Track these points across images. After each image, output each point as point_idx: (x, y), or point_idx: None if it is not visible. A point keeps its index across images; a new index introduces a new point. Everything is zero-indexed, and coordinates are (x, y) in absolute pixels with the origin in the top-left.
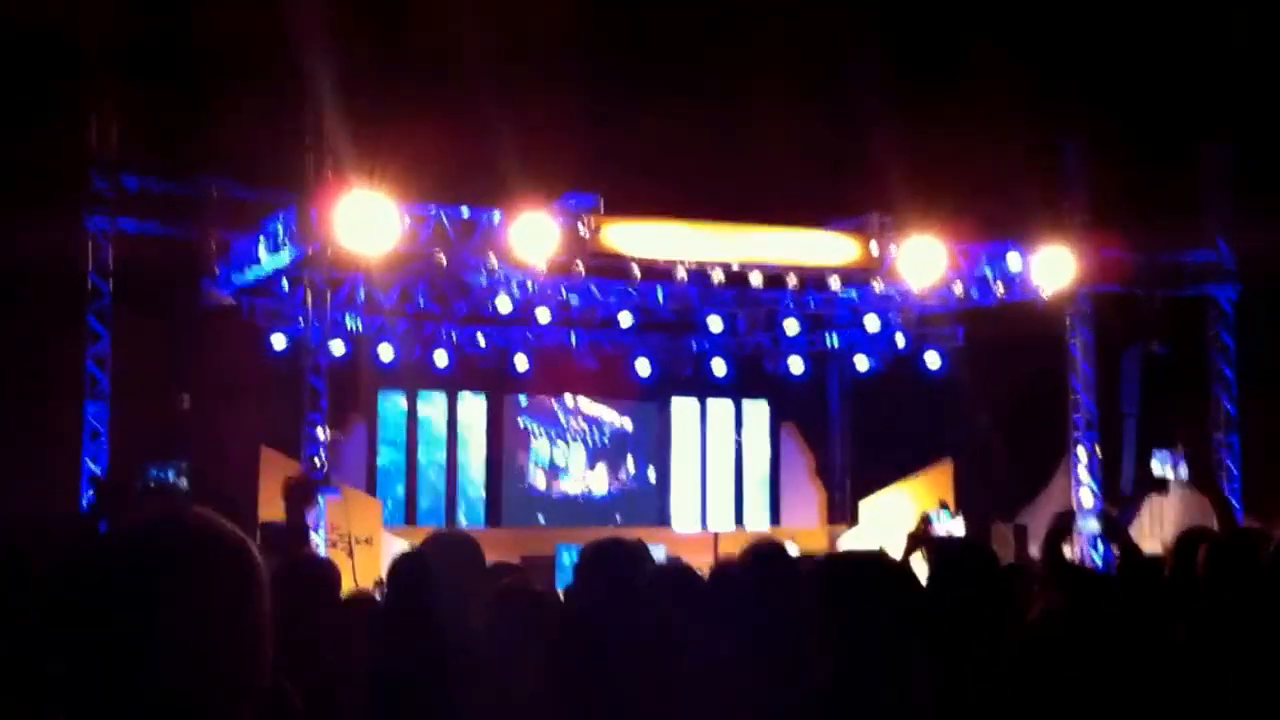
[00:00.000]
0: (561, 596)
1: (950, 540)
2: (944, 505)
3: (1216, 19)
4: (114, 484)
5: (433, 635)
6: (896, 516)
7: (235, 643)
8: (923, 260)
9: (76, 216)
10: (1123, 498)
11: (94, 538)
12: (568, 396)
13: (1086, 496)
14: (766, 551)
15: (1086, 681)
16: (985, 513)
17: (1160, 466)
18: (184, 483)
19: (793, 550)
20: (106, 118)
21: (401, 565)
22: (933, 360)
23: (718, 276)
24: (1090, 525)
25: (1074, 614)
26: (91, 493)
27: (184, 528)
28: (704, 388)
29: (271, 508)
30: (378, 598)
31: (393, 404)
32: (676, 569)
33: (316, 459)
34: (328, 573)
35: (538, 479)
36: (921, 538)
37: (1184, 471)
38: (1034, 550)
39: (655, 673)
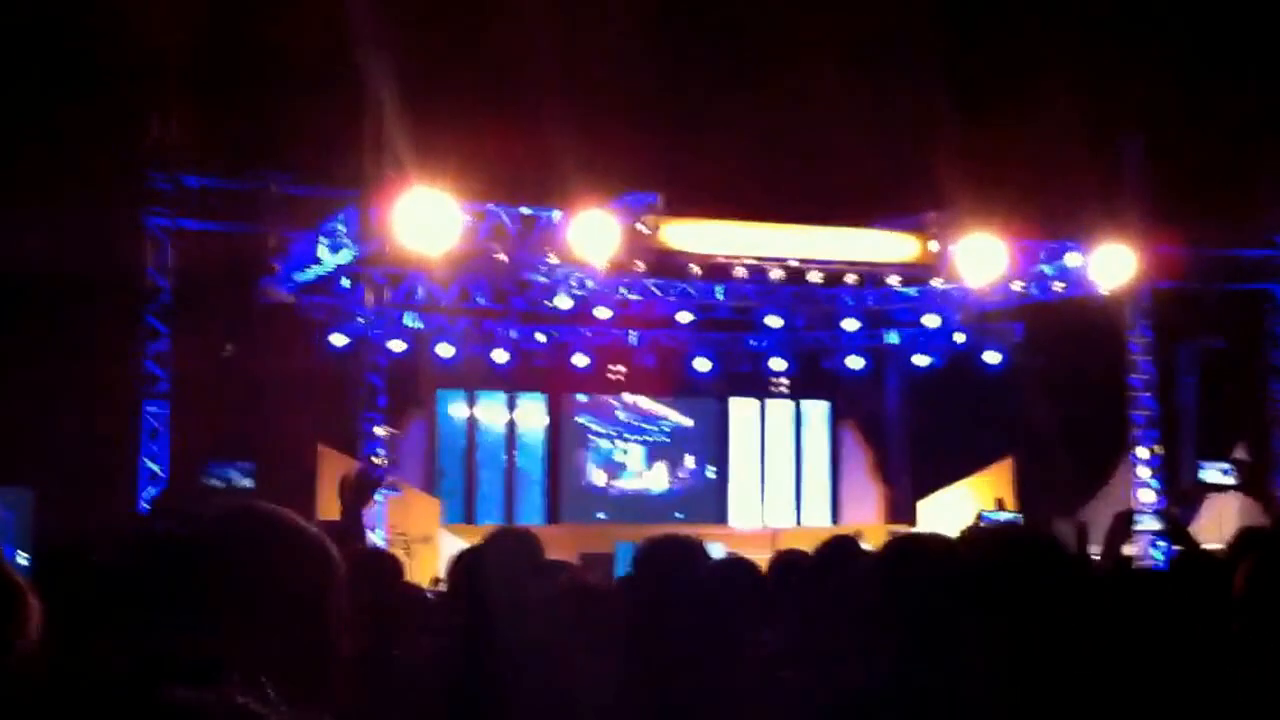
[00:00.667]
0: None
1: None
2: (1000, 503)
3: (1277, 14)
4: (169, 499)
5: (488, 629)
6: (956, 515)
7: (317, 627)
8: (981, 257)
9: (136, 215)
10: (1183, 493)
11: (176, 530)
12: (626, 394)
13: (1146, 494)
14: (837, 543)
15: (1141, 677)
16: (1045, 510)
17: (1215, 475)
18: (246, 481)
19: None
20: (167, 115)
21: (460, 561)
22: (992, 357)
23: (777, 274)
24: (1152, 523)
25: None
26: (149, 499)
27: (266, 518)
28: (762, 386)
29: (329, 506)
30: (429, 596)
31: (452, 402)
32: (735, 563)
33: (375, 457)
34: (390, 564)
35: (597, 477)
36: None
37: (1233, 479)
38: (1094, 548)
39: (714, 668)
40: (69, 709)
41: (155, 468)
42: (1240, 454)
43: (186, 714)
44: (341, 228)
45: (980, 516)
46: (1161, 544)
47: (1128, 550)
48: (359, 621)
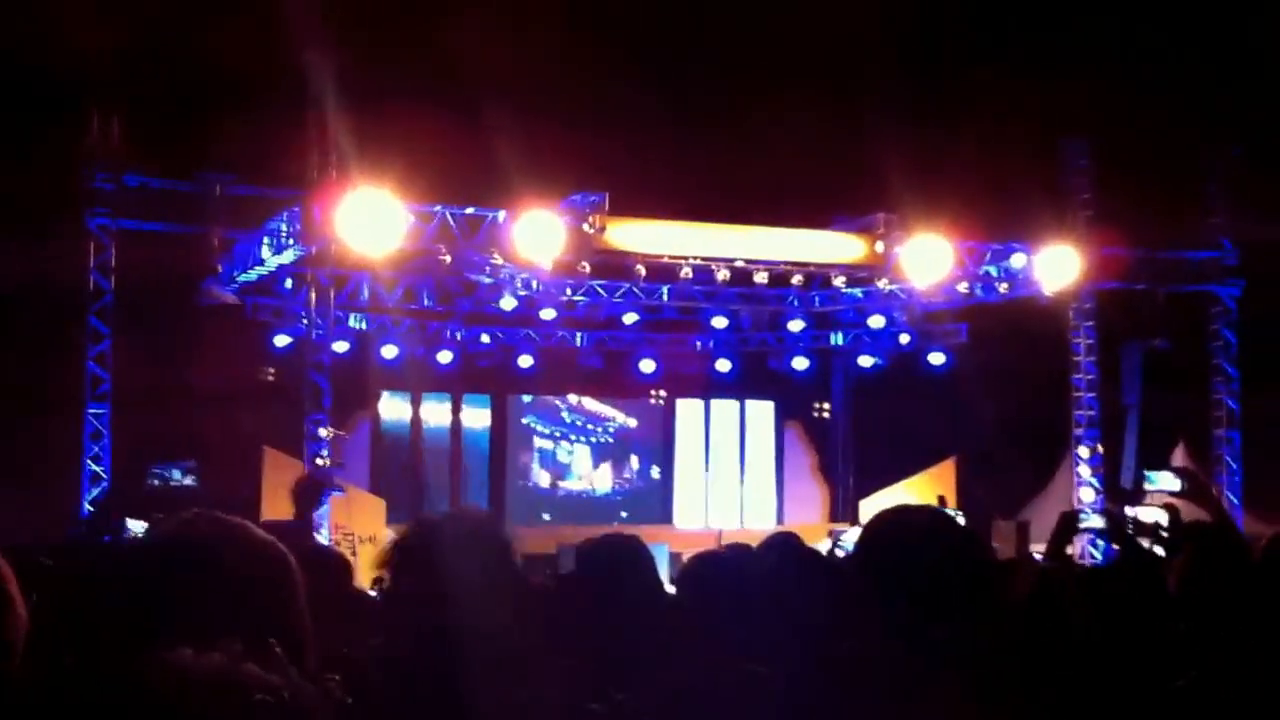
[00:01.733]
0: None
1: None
2: (941, 500)
3: (1222, 17)
4: (111, 501)
5: (445, 617)
6: None
7: (280, 629)
8: (927, 258)
9: (78, 215)
10: (1123, 493)
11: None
12: (572, 395)
13: (1088, 493)
14: (781, 539)
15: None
16: (987, 510)
17: (1166, 481)
18: (189, 481)
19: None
20: (107, 116)
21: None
22: (937, 358)
23: (722, 275)
24: (1094, 522)
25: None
26: (92, 500)
27: (217, 524)
28: (708, 386)
29: (275, 507)
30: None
31: (396, 403)
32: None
33: (319, 458)
34: (338, 561)
35: (541, 478)
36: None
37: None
38: (1035, 547)
39: (664, 665)
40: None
41: (98, 469)
42: (1182, 460)
43: (192, 678)
44: (284, 228)
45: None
46: (1100, 543)
47: (1069, 550)
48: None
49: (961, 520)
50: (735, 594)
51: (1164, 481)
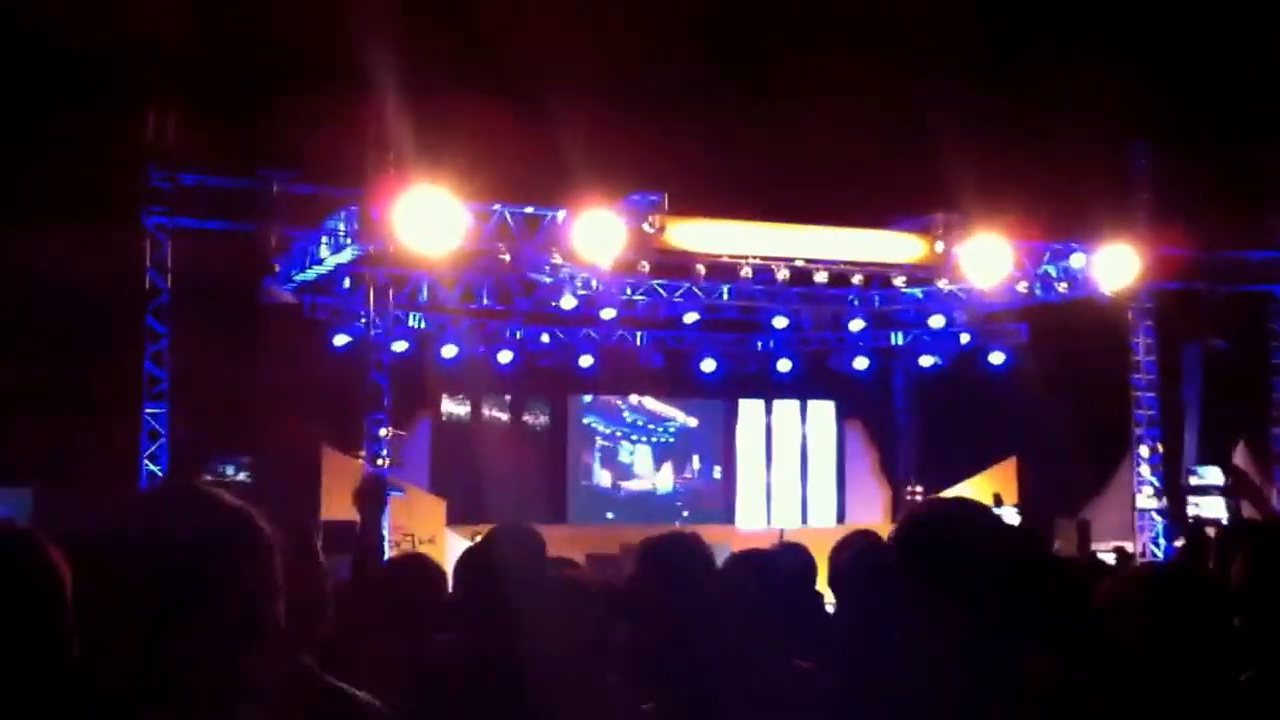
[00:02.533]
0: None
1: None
2: (998, 498)
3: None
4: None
5: (501, 627)
6: None
7: (247, 594)
8: (987, 258)
9: (135, 214)
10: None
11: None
12: (633, 395)
13: (1148, 492)
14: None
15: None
16: (1049, 509)
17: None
18: (242, 475)
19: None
20: (164, 112)
21: (468, 560)
22: (997, 358)
23: (782, 274)
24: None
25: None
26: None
27: (182, 496)
28: (769, 386)
29: (334, 507)
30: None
31: (457, 403)
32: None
33: (380, 458)
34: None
35: (603, 477)
36: None
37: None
38: (1096, 546)
39: (715, 668)
40: None
41: (155, 469)
42: (1242, 459)
43: None
44: (343, 226)
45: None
46: (1163, 541)
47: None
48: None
49: (1016, 518)
50: (785, 591)
51: (1211, 476)
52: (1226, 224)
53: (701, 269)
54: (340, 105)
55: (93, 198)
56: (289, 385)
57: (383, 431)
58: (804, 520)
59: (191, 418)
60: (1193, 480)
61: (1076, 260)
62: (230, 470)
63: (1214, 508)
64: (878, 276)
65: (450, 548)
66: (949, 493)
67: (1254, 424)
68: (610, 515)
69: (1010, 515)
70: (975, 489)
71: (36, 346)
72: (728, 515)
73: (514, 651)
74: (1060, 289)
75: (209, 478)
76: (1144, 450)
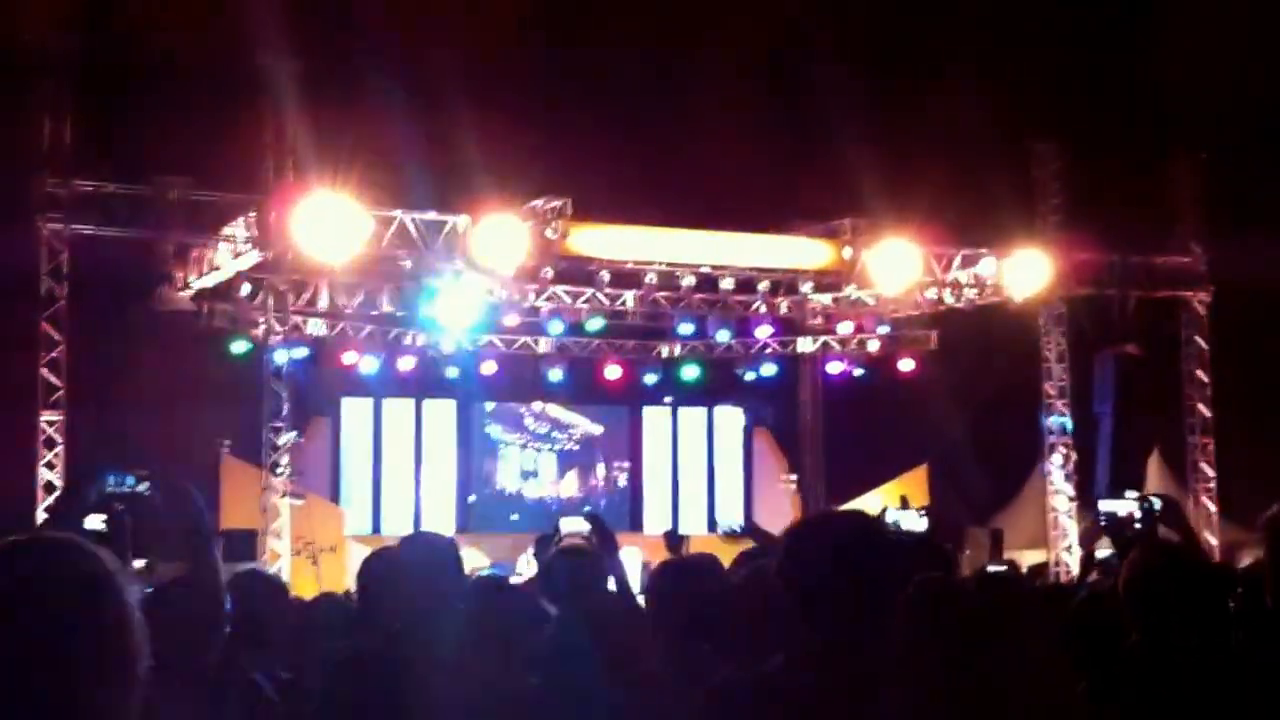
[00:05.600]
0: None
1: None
2: (904, 501)
3: (1190, 28)
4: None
5: (402, 635)
6: None
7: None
8: (895, 264)
9: (30, 220)
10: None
11: None
12: (536, 403)
13: (1062, 501)
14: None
15: None
16: (959, 518)
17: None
18: (145, 489)
19: None
20: (59, 119)
21: (373, 565)
22: (907, 365)
23: (688, 280)
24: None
25: None
26: (45, 509)
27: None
28: (675, 393)
29: (233, 516)
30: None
31: (357, 409)
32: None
33: (279, 466)
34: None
35: (507, 486)
36: None
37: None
38: (1010, 555)
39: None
40: None
41: (52, 477)
42: (1157, 468)
43: None
44: (241, 233)
45: (884, 512)
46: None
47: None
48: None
49: (923, 522)
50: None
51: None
52: (1138, 230)
53: (605, 275)
54: (238, 112)
55: None
56: (187, 392)
57: (281, 439)
58: (711, 527)
59: (88, 425)
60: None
61: (986, 266)
62: (131, 481)
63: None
64: (785, 283)
65: (352, 556)
66: (857, 502)
67: (1167, 432)
68: (510, 524)
69: (916, 519)
70: (885, 496)
71: None
72: (634, 523)
73: (407, 660)
74: (970, 295)
75: (109, 490)
76: (1057, 458)
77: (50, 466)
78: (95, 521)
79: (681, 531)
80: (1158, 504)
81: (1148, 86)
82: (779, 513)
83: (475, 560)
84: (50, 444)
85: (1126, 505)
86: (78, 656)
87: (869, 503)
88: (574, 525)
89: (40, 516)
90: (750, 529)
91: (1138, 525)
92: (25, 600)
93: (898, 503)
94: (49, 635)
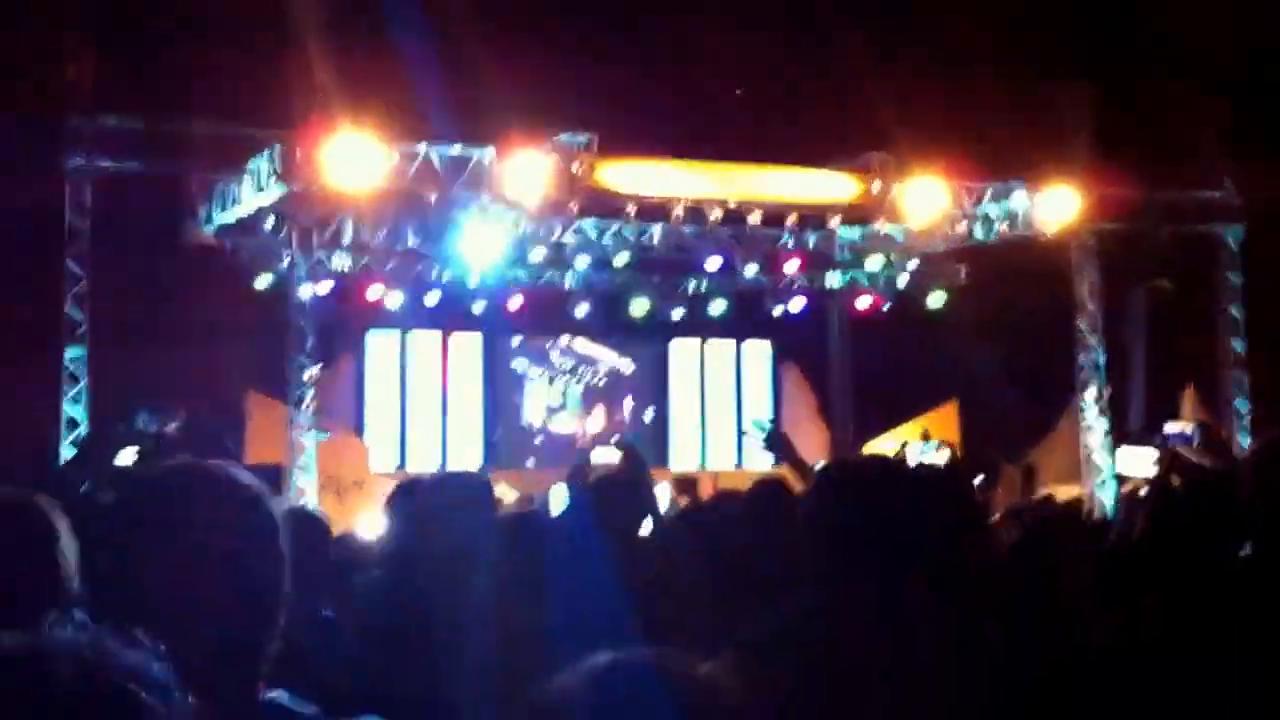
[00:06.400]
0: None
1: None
2: (925, 435)
3: None
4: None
5: (434, 569)
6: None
7: (258, 580)
8: (924, 198)
9: (54, 157)
10: (1131, 436)
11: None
12: (563, 337)
13: (1094, 437)
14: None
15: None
16: (990, 454)
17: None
18: (173, 426)
19: None
20: (83, 54)
21: (403, 498)
22: (936, 300)
23: (715, 215)
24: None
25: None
26: (72, 443)
27: (205, 474)
28: (702, 328)
29: (260, 451)
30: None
31: (383, 345)
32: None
33: (304, 401)
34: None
35: (533, 421)
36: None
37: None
38: (1043, 491)
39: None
40: None
41: (76, 414)
42: (1191, 403)
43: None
44: (265, 168)
45: (904, 447)
46: (1111, 485)
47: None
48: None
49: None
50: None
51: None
52: (1171, 163)
53: (632, 210)
54: (264, 44)
55: (10, 139)
56: (211, 328)
57: (306, 374)
58: (739, 462)
59: (113, 362)
60: (1166, 430)
61: (1017, 199)
62: (159, 422)
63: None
64: (813, 217)
65: (377, 491)
66: (889, 436)
67: (1201, 367)
68: (535, 460)
69: (937, 454)
70: (914, 433)
71: None
72: (661, 458)
73: (440, 600)
74: (1000, 229)
75: (140, 425)
76: (1090, 393)
77: (74, 403)
78: (127, 456)
79: (710, 468)
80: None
81: (1181, 17)
82: (808, 448)
83: (502, 495)
84: (74, 380)
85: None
86: (267, 557)
87: (899, 439)
88: (606, 456)
89: (65, 453)
90: (775, 438)
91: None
92: (220, 510)
93: (919, 436)
94: (243, 540)
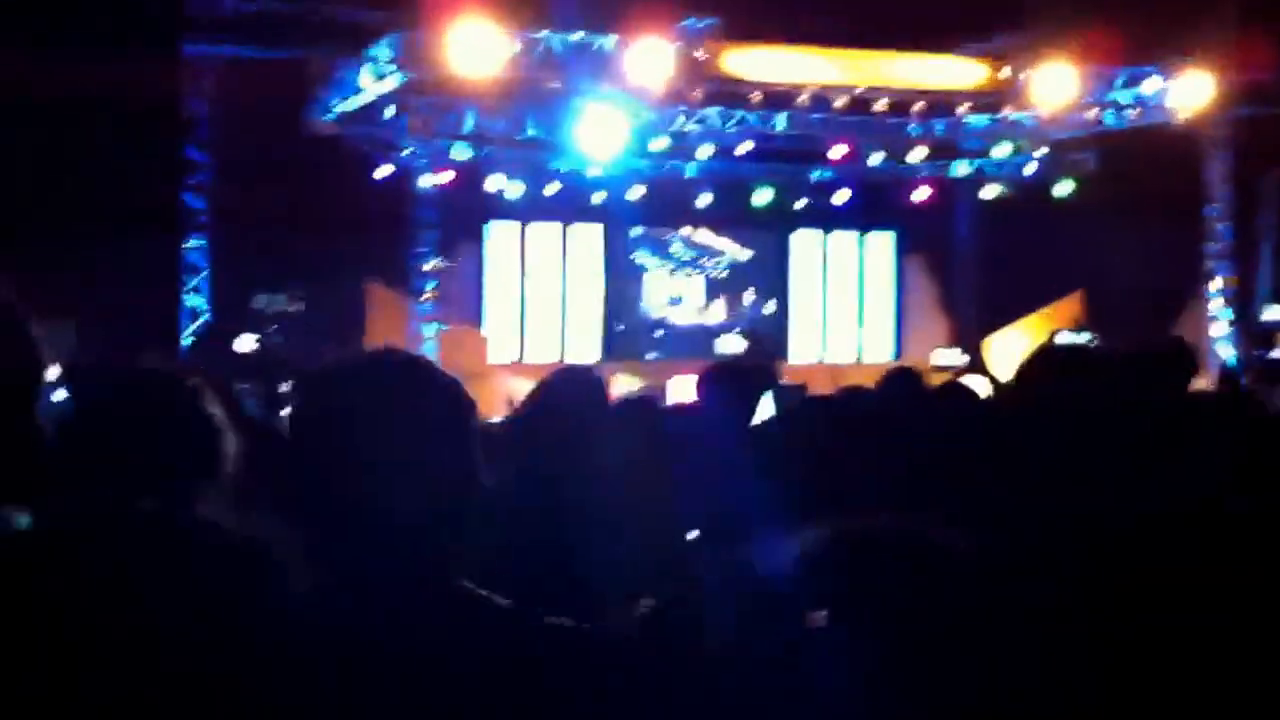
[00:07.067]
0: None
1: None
2: (1075, 323)
3: None
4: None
5: (559, 457)
6: (1024, 348)
7: (460, 461)
8: (1055, 84)
9: (173, 41)
10: (1255, 334)
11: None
12: (684, 228)
13: (1220, 327)
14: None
15: None
16: (1116, 343)
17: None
18: (294, 308)
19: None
20: None
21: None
22: (1064, 188)
23: (841, 102)
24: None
25: None
26: (193, 332)
27: (404, 359)
28: (825, 218)
29: (379, 341)
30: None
31: (503, 236)
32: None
33: (425, 293)
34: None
35: (654, 312)
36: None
37: None
38: None
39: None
40: None
41: (197, 301)
42: None
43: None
44: (385, 54)
45: (1054, 336)
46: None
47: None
48: None
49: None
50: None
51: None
52: None
53: (756, 97)
54: None
55: (130, 23)
56: (332, 219)
57: (427, 265)
58: (860, 355)
59: (232, 250)
60: (1265, 316)
61: (1150, 85)
62: (282, 300)
63: None
64: (940, 104)
65: (497, 384)
66: (1014, 328)
67: None
68: (657, 352)
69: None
70: (1042, 324)
71: (74, 178)
72: (780, 350)
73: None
74: (1131, 115)
75: (261, 307)
76: (1217, 283)
77: (195, 292)
78: (246, 343)
79: (829, 361)
80: None
81: None
82: (931, 339)
83: (624, 386)
84: (194, 270)
85: None
86: (470, 443)
87: (1025, 331)
88: (730, 345)
89: (186, 340)
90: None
91: None
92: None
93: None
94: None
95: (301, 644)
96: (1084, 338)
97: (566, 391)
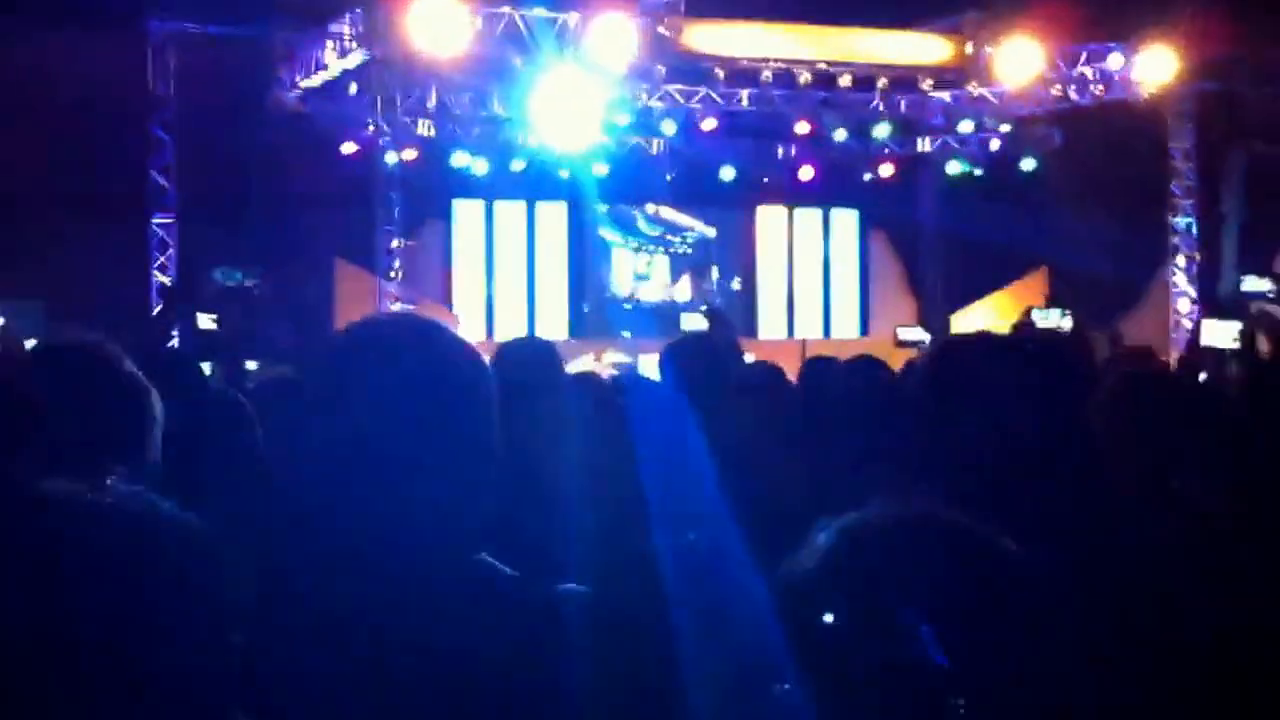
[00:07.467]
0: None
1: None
2: (1049, 301)
3: None
4: (180, 286)
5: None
6: (988, 326)
7: (476, 422)
8: (1018, 59)
9: (138, 21)
10: (1220, 306)
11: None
12: (650, 205)
13: (1184, 304)
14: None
15: None
16: (1080, 320)
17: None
18: (255, 286)
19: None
20: None
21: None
22: (1028, 164)
23: (804, 78)
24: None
25: None
26: (159, 299)
27: (425, 324)
28: (790, 195)
29: (348, 318)
30: None
31: (469, 214)
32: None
33: (391, 270)
34: None
35: (619, 290)
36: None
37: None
38: None
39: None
40: None
41: (165, 279)
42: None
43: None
44: (348, 30)
45: (1028, 312)
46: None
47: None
48: None
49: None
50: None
51: (1257, 285)
52: (1271, 23)
53: (720, 73)
54: None
55: (93, 2)
56: (297, 196)
57: (394, 242)
58: (826, 332)
59: (197, 228)
60: (1242, 288)
61: (1113, 61)
62: (239, 277)
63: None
64: (904, 80)
65: None
66: (979, 305)
67: None
68: (624, 329)
69: (1063, 320)
70: (1005, 300)
71: (40, 159)
72: (748, 327)
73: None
74: (1095, 91)
75: (219, 285)
76: (1181, 259)
77: (162, 269)
78: (207, 321)
79: (797, 336)
80: None
81: None
82: (896, 316)
83: (591, 364)
84: (162, 247)
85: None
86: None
87: (990, 308)
88: (693, 323)
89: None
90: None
91: None
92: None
93: (1043, 303)
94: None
95: (298, 616)
96: (1056, 314)
97: (518, 358)
